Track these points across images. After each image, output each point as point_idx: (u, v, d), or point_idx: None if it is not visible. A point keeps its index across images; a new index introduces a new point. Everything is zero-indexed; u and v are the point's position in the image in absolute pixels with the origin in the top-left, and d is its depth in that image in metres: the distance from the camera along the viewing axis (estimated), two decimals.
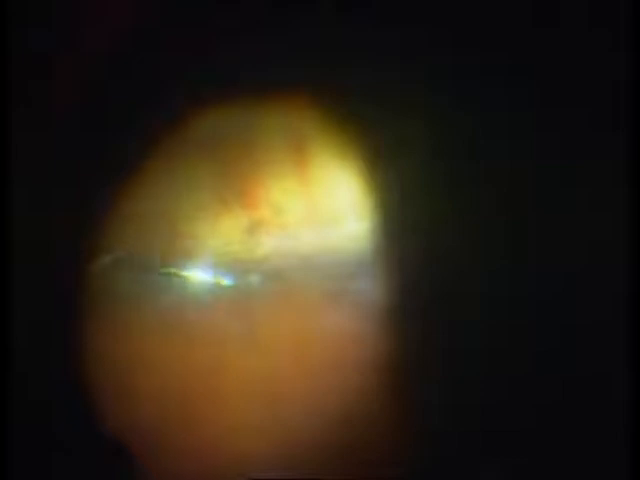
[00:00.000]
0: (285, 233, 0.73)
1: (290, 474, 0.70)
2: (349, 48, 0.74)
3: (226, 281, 0.73)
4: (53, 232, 0.73)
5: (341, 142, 0.74)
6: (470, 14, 0.73)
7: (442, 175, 0.74)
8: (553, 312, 0.71)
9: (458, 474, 0.70)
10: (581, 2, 0.72)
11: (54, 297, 0.73)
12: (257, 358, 0.72)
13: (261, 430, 0.71)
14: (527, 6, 0.73)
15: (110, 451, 0.71)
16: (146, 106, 0.73)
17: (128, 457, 0.71)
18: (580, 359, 0.70)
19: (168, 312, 0.72)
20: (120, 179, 0.73)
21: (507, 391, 0.71)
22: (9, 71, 0.69)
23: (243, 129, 0.74)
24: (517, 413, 0.70)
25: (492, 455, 0.70)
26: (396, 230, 0.73)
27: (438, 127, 0.74)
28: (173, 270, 0.73)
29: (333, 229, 0.73)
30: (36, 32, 0.71)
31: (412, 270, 0.72)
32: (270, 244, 0.73)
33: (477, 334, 0.72)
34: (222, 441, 0.72)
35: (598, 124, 0.71)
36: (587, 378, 0.70)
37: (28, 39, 0.71)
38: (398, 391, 0.71)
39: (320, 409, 0.72)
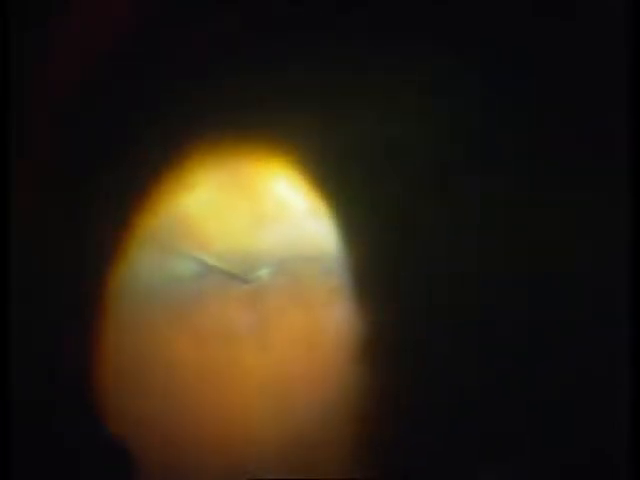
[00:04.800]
0: (289, 226, 0.73)
1: (295, 470, 0.70)
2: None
3: (235, 274, 0.73)
4: (54, 234, 0.73)
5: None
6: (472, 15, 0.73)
7: (439, 176, 0.74)
8: (551, 314, 0.71)
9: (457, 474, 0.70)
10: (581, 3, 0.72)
11: (59, 296, 0.72)
12: (265, 352, 0.72)
13: (269, 424, 0.71)
14: (527, 5, 0.73)
15: (113, 451, 0.70)
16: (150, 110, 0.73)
17: (131, 456, 0.71)
18: (580, 362, 0.70)
19: (177, 307, 0.72)
20: (131, 177, 0.73)
21: (504, 393, 0.71)
22: (9, 72, 0.68)
23: (247, 125, 0.74)
24: (513, 416, 0.70)
25: (489, 458, 0.70)
26: (396, 229, 0.73)
27: (432, 129, 0.74)
28: (184, 264, 0.73)
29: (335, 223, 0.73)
30: (36, 32, 0.71)
31: (411, 271, 0.72)
32: (275, 237, 0.73)
33: (477, 331, 0.72)
34: (227, 435, 0.72)
35: (598, 125, 0.71)
36: (587, 382, 0.70)
37: (28, 39, 0.70)
38: (402, 388, 0.71)
39: (327, 403, 0.71)
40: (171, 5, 0.74)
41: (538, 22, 0.72)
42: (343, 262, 0.74)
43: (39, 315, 0.72)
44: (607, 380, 0.68)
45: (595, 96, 0.71)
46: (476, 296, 0.72)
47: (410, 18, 0.74)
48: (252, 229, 0.74)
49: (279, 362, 0.73)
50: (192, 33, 0.74)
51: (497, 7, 0.73)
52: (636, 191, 0.66)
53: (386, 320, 0.72)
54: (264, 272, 0.73)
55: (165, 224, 0.74)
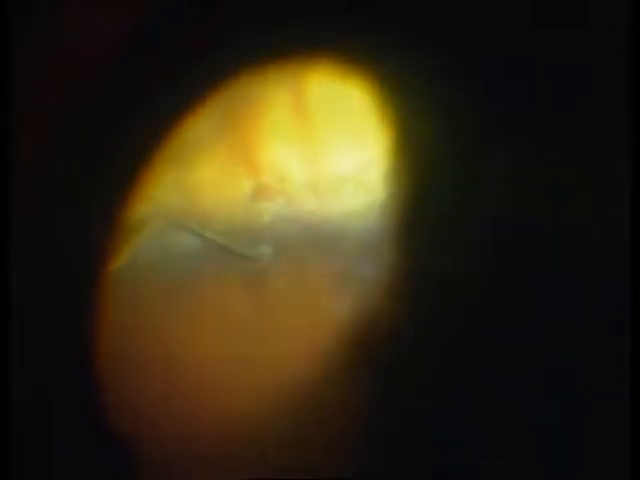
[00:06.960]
0: (288, 200, 0.73)
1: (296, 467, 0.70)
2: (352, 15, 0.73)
3: (233, 249, 0.73)
4: (58, 218, 0.73)
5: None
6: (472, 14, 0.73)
7: (447, 169, 0.74)
8: (557, 310, 0.72)
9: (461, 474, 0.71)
10: (581, 3, 0.73)
11: (56, 279, 0.72)
12: (265, 335, 0.72)
13: (268, 419, 0.72)
14: (527, 6, 0.74)
15: (112, 443, 0.71)
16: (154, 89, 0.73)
17: (129, 448, 0.71)
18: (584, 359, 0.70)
19: (177, 285, 0.72)
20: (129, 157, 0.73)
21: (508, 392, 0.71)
22: (9, 71, 0.68)
23: (247, 98, 0.74)
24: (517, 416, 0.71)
25: (493, 457, 0.71)
26: (401, 206, 0.73)
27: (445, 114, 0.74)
28: (184, 238, 0.73)
29: (336, 200, 0.73)
30: (36, 32, 0.71)
31: (418, 254, 0.72)
32: (273, 211, 0.73)
33: (480, 324, 0.72)
34: (227, 429, 0.72)
35: (599, 124, 0.72)
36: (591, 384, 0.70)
37: (28, 39, 0.70)
38: (408, 382, 0.71)
39: (329, 398, 0.72)
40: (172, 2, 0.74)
41: (539, 33, 0.72)
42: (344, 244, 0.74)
43: (36, 299, 0.71)
44: (609, 371, 0.69)
45: (595, 98, 0.72)
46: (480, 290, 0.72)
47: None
48: (249, 201, 0.74)
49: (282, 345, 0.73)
50: (193, 30, 0.74)
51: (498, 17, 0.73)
52: (636, 193, 0.66)
53: (397, 311, 0.72)
54: (261, 248, 0.73)
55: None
